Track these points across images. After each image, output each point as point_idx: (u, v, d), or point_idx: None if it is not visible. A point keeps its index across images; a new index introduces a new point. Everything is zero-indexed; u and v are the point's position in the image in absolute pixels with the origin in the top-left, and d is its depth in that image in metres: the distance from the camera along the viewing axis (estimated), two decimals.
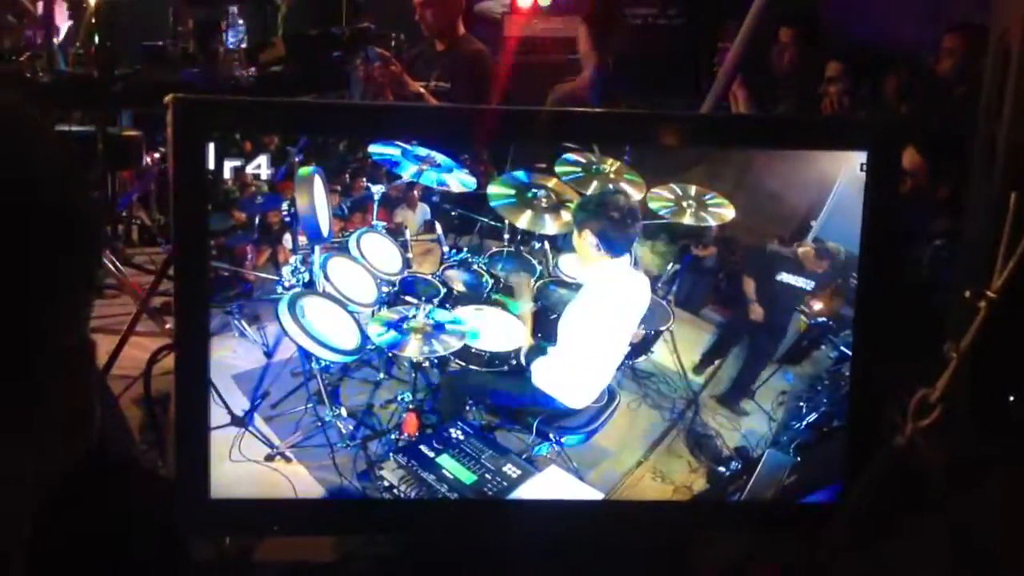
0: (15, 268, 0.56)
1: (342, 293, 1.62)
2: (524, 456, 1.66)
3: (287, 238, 1.62)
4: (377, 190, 1.63)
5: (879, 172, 1.58)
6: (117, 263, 3.15)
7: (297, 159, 1.60)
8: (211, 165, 1.54)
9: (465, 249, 1.68)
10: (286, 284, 1.61)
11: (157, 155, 4.38)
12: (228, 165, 1.57)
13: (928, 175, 3.80)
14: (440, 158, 1.60)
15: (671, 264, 1.67)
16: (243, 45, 3.93)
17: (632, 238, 1.64)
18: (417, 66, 4.70)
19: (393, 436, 1.64)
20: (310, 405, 1.62)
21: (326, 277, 1.62)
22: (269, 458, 1.61)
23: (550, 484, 1.65)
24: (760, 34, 3.64)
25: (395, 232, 1.65)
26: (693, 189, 1.63)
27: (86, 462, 0.68)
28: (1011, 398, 1.87)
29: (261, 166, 1.59)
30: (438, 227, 1.67)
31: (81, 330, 0.63)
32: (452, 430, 1.65)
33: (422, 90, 4.42)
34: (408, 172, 1.61)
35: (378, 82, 4.19)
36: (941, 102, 4.63)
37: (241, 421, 1.60)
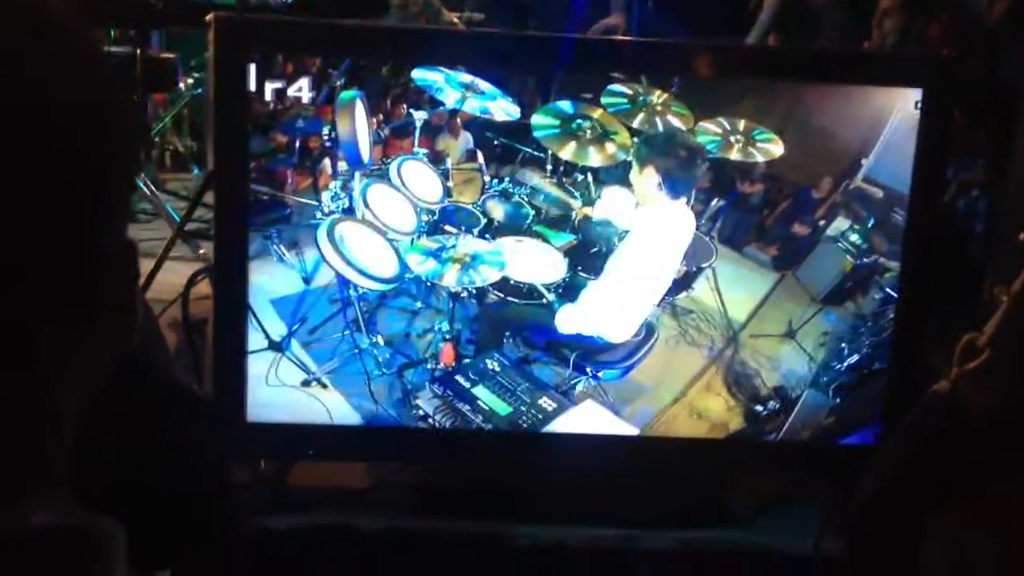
0: (67, 170, 0.57)
1: (381, 221, 1.60)
2: (560, 389, 1.65)
3: (327, 163, 1.60)
4: (419, 116, 1.60)
5: (935, 111, 1.54)
6: (152, 187, 3.14)
7: (339, 83, 1.58)
8: (252, 87, 1.52)
9: (507, 179, 1.66)
10: (325, 210, 1.59)
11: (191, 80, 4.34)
12: (269, 87, 1.55)
13: (962, 123, 3.70)
14: (484, 85, 1.57)
15: (716, 200, 1.63)
16: None
17: (695, 180, 1.61)
18: None
19: (429, 366, 1.63)
20: (347, 332, 1.62)
21: (366, 204, 1.60)
22: (305, 383, 1.61)
23: (585, 418, 1.65)
24: None
25: (436, 160, 1.63)
26: (742, 123, 1.59)
27: (126, 378, 0.68)
28: None
29: (302, 89, 1.57)
30: (480, 156, 1.64)
31: (122, 232, 0.64)
32: (489, 361, 1.64)
33: (456, 20, 4.36)
34: (451, 99, 1.58)
35: (412, 11, 4.13)
36: (984, 48, 4.50)
37: (278, 346, 1.60)
